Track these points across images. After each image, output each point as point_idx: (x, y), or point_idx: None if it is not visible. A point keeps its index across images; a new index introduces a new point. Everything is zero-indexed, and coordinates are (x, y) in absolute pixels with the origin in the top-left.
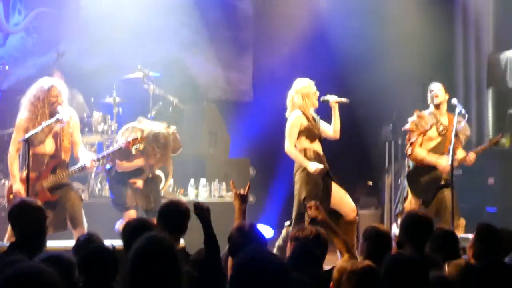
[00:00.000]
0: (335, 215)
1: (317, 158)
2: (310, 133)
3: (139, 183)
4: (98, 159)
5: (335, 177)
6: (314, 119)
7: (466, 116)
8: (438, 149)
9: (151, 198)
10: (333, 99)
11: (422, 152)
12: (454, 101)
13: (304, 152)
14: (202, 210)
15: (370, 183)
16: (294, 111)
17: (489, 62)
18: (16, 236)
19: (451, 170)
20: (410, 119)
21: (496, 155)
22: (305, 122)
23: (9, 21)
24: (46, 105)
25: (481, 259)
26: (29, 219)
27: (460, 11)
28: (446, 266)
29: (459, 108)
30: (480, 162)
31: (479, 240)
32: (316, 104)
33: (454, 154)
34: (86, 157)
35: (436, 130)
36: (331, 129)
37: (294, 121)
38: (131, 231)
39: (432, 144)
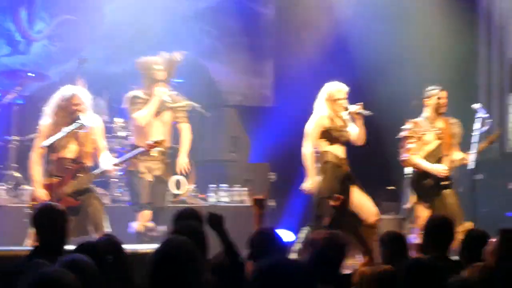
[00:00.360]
0: (356, 219)
1: (336, 161)
2: (330, 136)
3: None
4: (118, 164)
5: (358, 181)
6: (342, 122)
7: (490, 120)
8: (437, 152)
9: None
10: (353, 110)
11: (416, 159)
12: (476, 105)
13: (325, 154)
14: (216, 220)
15: (391, 188)
16: (318, 112)
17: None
18: (39, 239)
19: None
20: (405, 127)
21: None
22: (326, 124)
23: (33, 28)
24: (67, 113)
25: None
26: (52, 223)
27: (484, 15)
28: (467, 269)
29: (482, 113)
30: (501, 167)
31: (503, 245)
32: (340, 111)
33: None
34: (107, 162)
35: (432, 134)
36: (355, 136)
37: (315, 123)
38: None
39: (431, 147)
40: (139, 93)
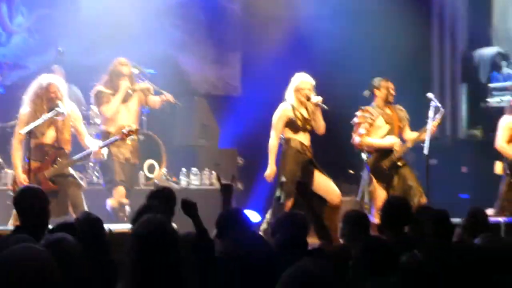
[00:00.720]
0: (321, 201)
1: (299, 147)
2: (293, 124)
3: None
4: (102, 147)
5: (319, 166)
6: (307, 112)
7: (442, 109)
8: (388, 134)
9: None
10: (314, 101)
11: (370, 140)
12: (430, 95)
13: (289, 141)
14: (189, 207)
15: (351, 171)
16: (282, 104)
17: (463, 59)
18: (21, 220)
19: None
20: (357, 114)
21: (470, 145)
22: (291, 114)
23: (13, 21)
24: (45, 101)
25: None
26: (33, 204)
27: (436, 11)
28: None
29: (434, 102)
30: (455, 152)
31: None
32: (302, 99)
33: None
34: (93, 144)
35: (382, 119)
36: (316, 125)
37: (280, 113)
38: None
39: (382, 131)
40: (101, 88)
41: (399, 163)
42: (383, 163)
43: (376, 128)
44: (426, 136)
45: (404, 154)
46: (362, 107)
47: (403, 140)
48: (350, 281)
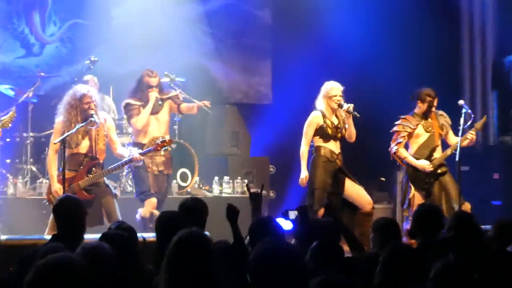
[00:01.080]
0: (352, 208)
1: (328, 155)
2: (324, 132)
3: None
4: (142, 154)
5: (350, 174)
6: (338, 120)
7: (473, 116)
8: (428, 143)
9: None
10: (345, 108)
11: (404, 153)
12: (461, 102)
13: (319, 149)
14: (233, 213)
15: (382, 179)
16: (313, 111)
17: (493, 66)
18: (58, 229)
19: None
20: (397, 122)
21: (501, 151)
22: (321, 122)
23: (45, 31)
24: (79, 112)
25: None
26: (71, 214)
27: (466, 19)
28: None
29: (465, 109)
30: (486, 159)
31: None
32: (334, 106)
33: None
34: (131, 151)
35: (422, 127)
36: (347, 134)
37: (310, 121)
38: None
39: (421, 140)
40: (130, 100)
41: (439, 171)
42: (422, 172)
43: (415, 136)
44: (458, 143)
45: (444, 161)
46: (402, 116)
47: (446, 146)
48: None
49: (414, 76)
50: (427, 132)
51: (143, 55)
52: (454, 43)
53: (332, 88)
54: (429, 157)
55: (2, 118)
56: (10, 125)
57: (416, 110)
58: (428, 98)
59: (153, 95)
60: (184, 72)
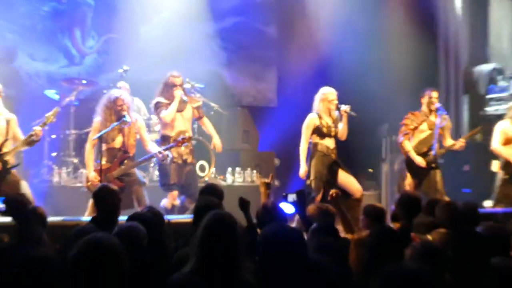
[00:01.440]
0: (345, 194)
1: (325, 151)
2: (320, 131)
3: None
4: (162, 151)
5: (343, 165)
6: (331, 120)
7: (448, 116)
8: (427, 140)
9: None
10: (343, 109)
11: (408, 146)
12: (438, 105)
13: (316, 145)
14: (244, 204)
15: (370, 170)
16: (310, 114)
17: (465, 74)
18: (97, 212)
19: (436, 158)
20: (406, 116)
21: (471, 147)
22: (317, 122)
23: (85, 44)
24: (113, 112)
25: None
26: (108, 201)
27: (442, 35)
28: (432, 233)
29: (441, 111)
30: (458, 153)
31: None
32: (332, 108)
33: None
34: (155, 149)
35: (426, 125)
36: (340, 133)
37: (308, 122)
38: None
39: (423, 135)
40: (159, 98)
41: (433, 165)
42: (418, 163)
43: (419, 132)
44: (434, 140)
45: (438, 158)
46: (412, 112)
47: (442, 145)
48: (366, 264)
49: (396, 83)
50: (430, 129)
51: (167, 65)
52: (431, 55)
53: (330, 92)
54: (425, 153)
55: (47, 115)
56: (54, 119)
57: (422, 108)
58: (427, 92)
59: (178, 93)
60: (202, 79)
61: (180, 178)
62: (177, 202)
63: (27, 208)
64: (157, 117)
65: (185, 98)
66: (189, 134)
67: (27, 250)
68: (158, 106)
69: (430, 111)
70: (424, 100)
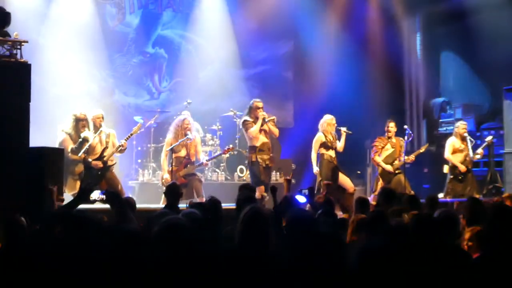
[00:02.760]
0: (342, 189)
1: (329, 159)
2: (325, 145)
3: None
4: (208, 160)
5: (342, 169)
6: (332, 137)
7: (412, 135)
8: (392, 155)
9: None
10: (343, 130)
11: (379, 159)
12: (405, 126)
13: (323, 155)
14: (274, 189)
15: (358, 172)
16: (318, 132)
17: (424, 105)
18: (168, 202)
19: (404, 165)
20: (376, 139)
21: (429, 155)
22: (323, 139)
23: (161, 85)
24: (181, 131)
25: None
26: (175, 193)
27: (407, 76)
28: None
29: (407, 131)
30: (421, 160)
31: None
32: (333, 130)
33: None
34: (204, 159)
35: (390, 145)
36: (339, 146)
37: (316, 139)
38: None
39: (388, 152)
40: (247, 117)
41: (397, 171)
42: (388, 170)
43: (386, 149)
44: (403, 152)
45: (400, 166)
46: (380, 136)
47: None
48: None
49: (376, 110)
50: (392, 148)
51: (217, 99)
52: (399, 90)
53: (331, 118)
54: (391, 163)
55: (133, 128)
56: (138, 131)
57: (386, 134)
58: (387, 123)
59: (261, 115)
60: (241, 109)
61: (265, 177)
62: (265, 193)
63: (121, 198)
64: (244, 132)
65: (266, 119)
66: (268, 145)
67: (121, 227)
68: (245, 124)
69: (389, 136)
70: (386, 128)
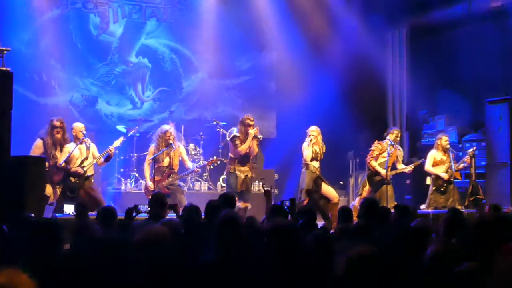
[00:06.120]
0: (326, 199)
1: (313, 169)
2: (311, 156)
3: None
4: (199, 168)
5: (325, 179)
6: (319, 148)
7: (399, 147)
8: (384, 163)
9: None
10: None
11: (375, 164)
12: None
13: (307, 165)
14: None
15: (341, 182)
16: (305, 143)
17: (407, 117)
18: (151, 210)
19: (388, 176)
20: (374, 143)
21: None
22: (310, 150)
23: (144, 94)
24: (163, 141)
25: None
26: (159, 203)
27: (390, 89)
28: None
29: (391, 143)
30: (403, 173)
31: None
32: (319, 141)
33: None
34: (193, 167)
35: (387, 152)
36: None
37: (305, 149)
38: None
39: (385, 158)
40: (235, 133)
41: (385, 181)
42: (377, 178)
43: (382, 156)
44: (386, 163)
45: (391, 176)
46: (379, 141)
47: (395, 167)
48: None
49: (360, 123)
50: (389, 156)
51: (200, 108)
52: (384, 103)
53: (314, 130)
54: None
55: (114, 142)
56: (119, 144)
57: (386, 140)
58: (393, 131)
59: (252, 131)
60: (224, 119)
61: (241, 187)
62: (246, 204)
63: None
64: (231, 145)
65: (258, 136)
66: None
67: (105, 235)
68: (234, 140)
69: (392, 144)
70: (390, 137)
